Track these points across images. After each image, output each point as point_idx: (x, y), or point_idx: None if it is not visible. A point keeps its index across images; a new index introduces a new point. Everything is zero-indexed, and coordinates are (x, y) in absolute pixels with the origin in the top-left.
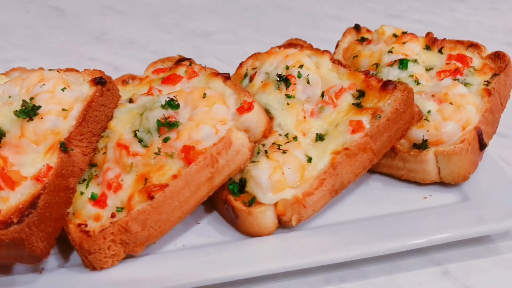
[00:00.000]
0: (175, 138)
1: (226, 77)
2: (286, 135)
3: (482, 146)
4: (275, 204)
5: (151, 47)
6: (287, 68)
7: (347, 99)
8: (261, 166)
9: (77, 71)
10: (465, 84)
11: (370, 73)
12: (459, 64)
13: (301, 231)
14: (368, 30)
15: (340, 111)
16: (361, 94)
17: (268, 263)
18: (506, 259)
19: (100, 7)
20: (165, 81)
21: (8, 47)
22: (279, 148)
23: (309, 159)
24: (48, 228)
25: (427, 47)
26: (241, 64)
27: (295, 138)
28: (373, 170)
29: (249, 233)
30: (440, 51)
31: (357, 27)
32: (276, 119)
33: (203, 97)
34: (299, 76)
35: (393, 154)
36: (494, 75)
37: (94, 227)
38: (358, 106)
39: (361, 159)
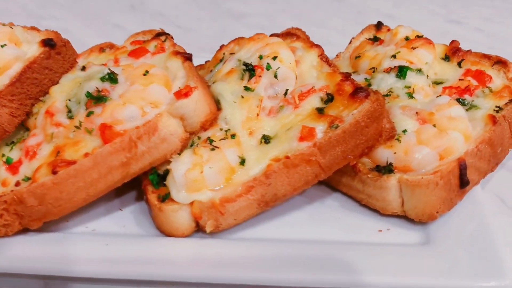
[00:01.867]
0: (99, 113)
1: (186, 57)
2: (227, 131)
3: (464, 183)
4: (191, 205)
5: (179, 22)
6: (261, 57)
7: (313, 101)
8: (182, 160)
9: (38, 30)
10: (471, 107)
11: (364, 78)
12: (474, 82)
13: (217, 240)
14: (389, 30)
15: (299, 114)
16: (330, 98)
17: (160, 268)
18: None
19: None
20: (131, 53)
21: (46, 5)
22: (210, 144)
23: (242, 162)
24: None
25: (446, 57)
26: (221, 47)
27: (233, 136)
28: (335, 188)
29: (162, 231)
30: (459, 64)
31: (378, 25)
32: (223, 112)
33: (144, 75)
34: (268, 68)
35: (353, 173)
36: (511, 101)
37: None
38: (320, 111)
39: (302, 172)
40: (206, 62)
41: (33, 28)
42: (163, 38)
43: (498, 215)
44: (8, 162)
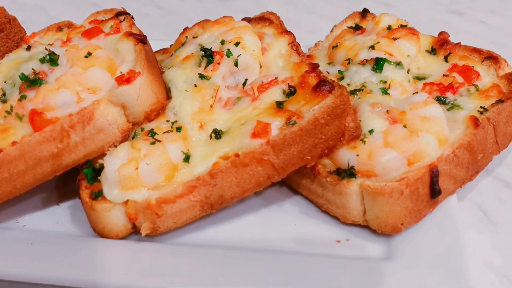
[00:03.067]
0: (31, 98)
1: (139, 39)
2: (174, 122)
3: (435, 193)
4: (126, 204)
5: (161, 3)
6: (223, 43)
7: (273, 94)
8: (117, 154)
9: None
10: (453, 107)
11: (338, 70)
12: (459, 79)
13: (155, 244)
14: (374, 18)
15: (256, 108)
16: (292, 91)
17: (81, 272)
18: None
19: None
20: (84, 33)
21: None
22: (152, 137)
23: (187, 158)
24: None
25: (433, 50)
26: (184, 29)
27: (178, 129)
28: (297, 191)
29: (96, 231)
30: (446, 58)
31: (363, 12)
32: (172, 101)
33: (86, 57)
34: (228, 55)
35: (312, 176)
36: (498, 102)
37: None
38: (280, 105)
39: (253, 172)
40: (171, 45)
41: None
42: (121, 18)
43: (477, 229)
44: None
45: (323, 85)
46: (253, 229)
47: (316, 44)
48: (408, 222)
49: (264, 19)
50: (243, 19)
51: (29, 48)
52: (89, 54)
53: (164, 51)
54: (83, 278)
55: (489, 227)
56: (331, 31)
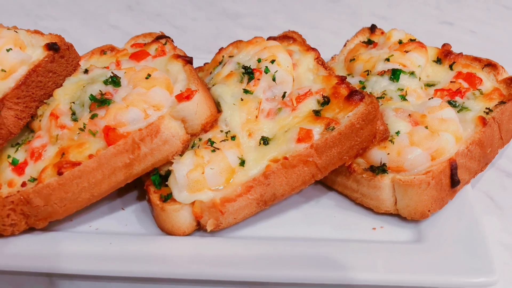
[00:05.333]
0: (102, 116)
1: (187, 61)
2: (227, 132)
3: (454, 182)
4: (192, 204)
5: (176, 22)
6: (259, 61)
7: (310, 104)
8: (183, 161)
9: (42, 34)
10: (462, 109)
11: (359, 81)
12: (465, 84)
13: (217, 238)
14: (383, 33)
15: (297, 116)
16: (326, 101)
17: (165, 265)
18: None
19: None
20: (132, 56)
21: (44, 5)
22: (211, 145)
23: (242, 163)
24: None
25: (438, 60)
26: (220, 50)
27: (233, 138)
28: (330, 187)
29: (164, 230)
30: (451, 66)
31: (372, 28)
32: (223, 114)
33: (147, 78)
34: (266, 71)
35: (348, 173)
36: (501, 103)
37: (3, 193)
38: (317, 114)
39: (300, 172)
40: (205, 64)
41: (36, 32)
42: (163, 41)
43: (487, 213)
44: (14, 163)
45: (354, 95)
46: (297, 222)
47: (332, 57)
48: (433, 209)
49: (287, 37)
50: (269, 38)
51: (86, 71)
52: (149, 75)
53: (199, 69)
54: (161, 269)
55: (496, 211)
56: (344, 45)
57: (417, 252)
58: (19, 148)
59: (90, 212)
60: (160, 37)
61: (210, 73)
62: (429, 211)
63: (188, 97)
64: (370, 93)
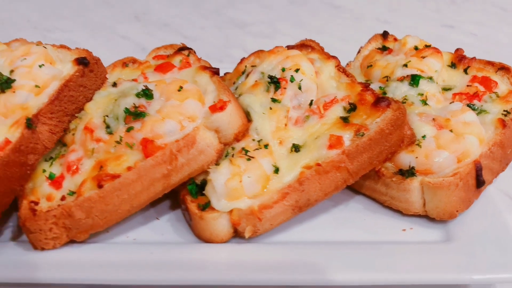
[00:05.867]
0: (138, 129)
1: (214, 72)
2: (259, 141)
3: (480, 183)
4: (230, 212)
5: (185, 32)
6: (283, 70)
7: (336, 111)
8: (221, 171)
9: (68, 48)
10: (481, 112)
11: (379, 87)
12: (481, 88)
13: (255, 245)
14: (395, 39)
15: (325, 123)
16: (352, 108)
17: (206, 273)
18: None
19: None
20: (157, 68)
21: (50, 16)
22: (245, 154)
23: (276, 170)
24: None
25: (453, 65)
26: (242, 60)
27: (266, 146)
28: (357, 191)
29: (201, 238)
30: (465, 70)
31: (384, 34)
32: (254, 123)
33: (179, 90)
34: (292, 80)
35: (376, 177)
36: None
37: (43, 207)
38: (345, 120)
39: (333, 178)
40: (225, 74)
41: (62, 47)
42: (186, 52)
43: (507, 211)
44: (51, 177)
45: (381, 101)
46: (328, 226)
47: (347, 64)
48: (461, 209)
49: (305, 46)
50: (288, 47)
51: (115, 84)
52: (181, 87)
53: (221, 78)
54: (206, 276)
55: None
56: (358, 52)
57: (448, 251)
58: (53, 162)
59: (126, 223)
60: (182, 48)
61: (234, 83)
62: (457, 211)
63: (221, 108)
64: (396, 99)
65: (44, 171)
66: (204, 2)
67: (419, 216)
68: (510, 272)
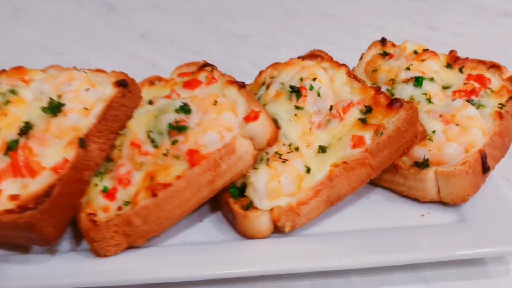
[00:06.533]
0: (183, 141)
1: (240, 85)
2: (290, 145)
3: (485, 169)
4: (271, 210)
5: (191, 48)
6: (301, 79)
7: (354, 114)
8: (260, 174)
9: (104, 72)
10: (479, 106)
11: (386, 89)
12: (476, 85)
13: (294, 237)
14: (393, 44)
15: (346, 125)
16: (368, 110)
17: (257, 265)
18: (496, 283)
19: (148, 4)
20: (185, 85)
21: (59, 39)
22: (280, 158)
23: (308, 170)
24: (58, 216)
25: (449, 65)
26: (260, 73)
27: (297, 149)
28: (376, 184)
29: (245, 235)
30: (460, 70)
31: (383, 41)
32: (282, 129)
33: (214, 104)
34: (311, 88)
35: (394, 170)
36: (510, 98)
37: (101, 218)
38: (363, 121)
39: (358, 174)
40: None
41: (99, 70)
42: (209, 68)
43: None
44: (104, 190)
45: (395, 103)
46: (355, 217)
47: (352, 69)
48: (471, 193)
49: (315, 55)
50: (299, 58)
51: (150, 102)
52: (216, 102)
53: None
54: (256, 268)
55: None
56: (361, 58)
57: (462, 230)
58: (103, 177)
59: (173, 227)
60: (205, 65)
61: (255, 94)
62: (468, 195)
63: (255, 118)
64: (407, 100)
65: (96, 185)
66: (203, 17)
67: (435, 202)
68: None
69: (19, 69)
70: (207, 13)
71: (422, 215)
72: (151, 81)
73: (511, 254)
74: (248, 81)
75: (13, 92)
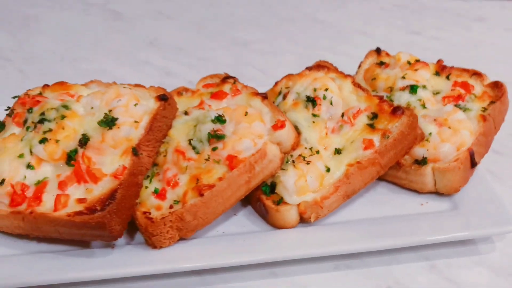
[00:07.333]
0: (221, 148)
1: (264, 96)
2: (311, 148)
3: (473, 164)
4: (298, 205)
5: (198, 54)
6: (315, 90)
7: (362, 120)
8: (289, 174)
9: (144, 87)
10: (465, 109)
11: (385, 96)
12: (462, 91)
13: (317, 226)
14: (387, 54)
15: (356, 130)
16: (374, 116)
17: (290, 250)
18: (485, 259)
19: (152, 11)
20: (213, 96)
21: (73, 48)
22: (304, 160)
23: (328, 169)
24: (123, 215)
25: (437, 73)
26: (276, 83)
27: (317, 152)
28: (381, 178)
29: (276, 226)
30: (447, 77)
31: (378, 51)
32: (303, 134)
33: (245, 115)
34: (324, 98)
35: (398, 167)
36: (491, 102)
37: (156, 215)
38: (371, 126)
39: (370, 171)
40: None
41: (137, 85)
42: (231, 80)
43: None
44: (155, 192)
45: (397, 110)
46: (365, 207)
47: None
48: (462, 184)
49: (322, 66)
50: (306, 68)
51: (186, 113)
52: (246, 113)
53: None
54: (286, 254)
55: (496, 180)
56: (359, 66)
57: (455, 216)
58: (152, 180)
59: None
60: (226, 77)
61: (273, 102)
62: (460, 186)
63: (282, 126)
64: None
65: (146, 187)
66: (206, 25)
67: (431, 193)
68: (502, 226)
69: (62, 84)
70: (209, 20)
71: (422, 204)
72: (179, 92)
73: (496, 234)
74: (255, 84)
75: (66, 107)
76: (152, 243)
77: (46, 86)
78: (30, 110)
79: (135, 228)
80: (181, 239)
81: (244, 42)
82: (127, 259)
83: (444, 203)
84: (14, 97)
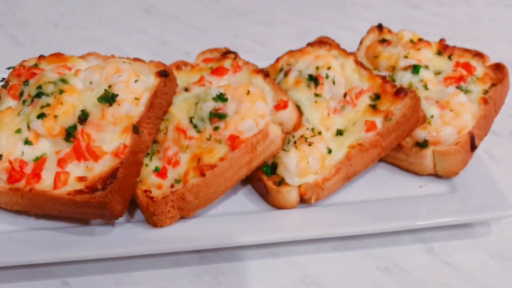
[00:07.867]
0: (223, 127)
1: (265, 74)
2: (313, 129)
3: (473, 147)
4: (299, 186)
5: (195, 23)
6: (317, 68)
7: (365, 100)
8: (291, 155)
9: (143, 61)
10: (467, 91)
11: (387, 76)
12: (464, 72)
13: (317, 207)
14: (389, 31)
15: (358, 111)
16: (377, 97)
17: (290, 231)
18: (481, 242)
19: None
20: (213, 72)
21: (67, 14)
22: (306, 141)
23: (329, 151)
24: (124, 194)
25: (439, 52)
26: (277, 60)
27: (319, 133)
28: (381, 159)
29: (276, 206)
30: (449, 57)
31: (380, 27)
32: (305, 114)
33: (248, 94)
34: (327, 77)
35: (398, 148)
36: (493, 85)
37: (157, 194)
38: (374, 107)
39: (371, 153)
40: None
41: (137, 60)
42: (232, 56)
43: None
44: (156, 170)
45: (401, 92)
46: (365, 188)
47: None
48: (461, 168)
49: (323, 42)
50: (308, 44)
51: (186, 89)
52: (248, 91)
53: None
54: (289, 233)
55: (493, 163)
56: (360, 43)
57: (454, 199)
58: (152, 158)
59: None
60: (226, 52)
61: (274, 79)
62: (459, 169)
63: (284, 107)
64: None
65: (146, 165)
66: None
67: (430, 175)
68: (499, 211)
69: (58, 56)
70: None
71: (420, 186)
72: (178, 66)
73: (493, 219)
74: (253, 57)
75: (64, 81)
76: (153, 222)
77: (42, 57)
78: (26, 83)
79: (135, 205)
80: (182, 217)
81: (241, 11)
82: (128, 237)
83: (442, 186)
84: (8, 68)
